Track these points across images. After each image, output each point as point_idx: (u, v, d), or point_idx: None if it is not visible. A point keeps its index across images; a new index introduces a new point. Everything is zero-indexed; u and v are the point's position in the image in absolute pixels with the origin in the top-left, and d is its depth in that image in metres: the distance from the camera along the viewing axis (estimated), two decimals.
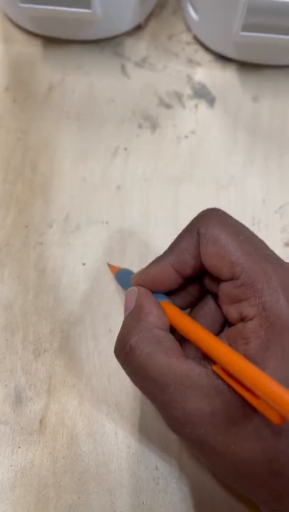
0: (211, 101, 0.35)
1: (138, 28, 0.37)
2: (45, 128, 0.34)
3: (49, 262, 0.31)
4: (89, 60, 0.37)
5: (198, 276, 0.24)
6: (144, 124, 0.35)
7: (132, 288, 0.25)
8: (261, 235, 0.31)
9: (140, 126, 0.35)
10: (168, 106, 0.35)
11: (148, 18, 0.37)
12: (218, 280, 0.22)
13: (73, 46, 0.37)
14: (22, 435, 0.28)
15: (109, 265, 0.31)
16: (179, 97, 0.35)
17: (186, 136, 0.34)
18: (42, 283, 0.30)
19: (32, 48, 0.37)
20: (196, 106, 0.35)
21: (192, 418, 0.19)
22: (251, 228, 0.32)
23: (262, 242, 0.23)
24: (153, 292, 0.24)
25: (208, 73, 0.36)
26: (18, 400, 0.28)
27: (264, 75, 0.36)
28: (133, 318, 0.22)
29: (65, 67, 0.36)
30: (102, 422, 0.28)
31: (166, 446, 0.27)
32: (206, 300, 0.26)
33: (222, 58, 0.36)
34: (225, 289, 0.22)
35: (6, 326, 0.29)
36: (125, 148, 0.34)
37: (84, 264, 0.31)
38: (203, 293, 0.26)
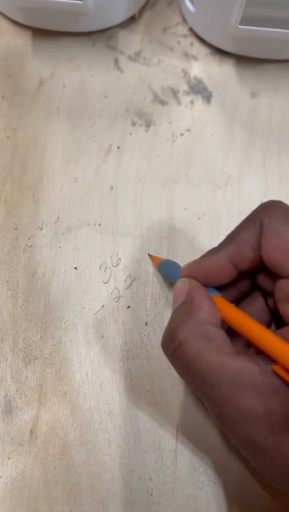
0: (207, 97, 0.34)
1: (132, 20, 0.36)
2: (35, 125, 0.33)
3: (39, 265, 0.30)
4: (80, 53, 0.35)
5: (252, 272, 0.23)
6: (137, 121, 0.33)
7: (183, 279, 0.23)
8: None
9: (134, 124, 0.33)
10: (163, 102, 0.34)
11: (142, 10, 0.36)
12: (275, 277, 0.22)
13: (64, 39, 0.35)
14: (12, 445, 0.27)
15: (151, 256, 0.30)
16: (174, 92, 0.34)
17: (182, 134, 0.33)
18: (32, 287, 0.29)
19: (21, 40, 0.35)
20: (192, 102, 0.34)
21: (244, 417, 0.18)
22: None
23: None
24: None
25: (205, 68, 0.35)
26: (8, 409, 0.27)
27: (263, 70, 0.35)
28: (183, 312, 0.21)
29: (55, 61, 0.35)
30: (95, 431, 0.27)
31: (160, 457, 0.27)
32: (254, 297, 0.25)
33: (219, 52, 0.35)
34: (284, 286, 0.21)
35: None
36: (118, 147, 0.33)
37: (76, 268, 0.30)
38: (252, 289, 0.25)
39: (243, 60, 0.35)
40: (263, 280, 0.24)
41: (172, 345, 0.21)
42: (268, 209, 0.22)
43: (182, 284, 0.23)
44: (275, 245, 0.21)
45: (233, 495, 0.26)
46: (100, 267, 0.30)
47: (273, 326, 0.25)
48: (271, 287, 0.22)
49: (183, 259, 0.30)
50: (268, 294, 0.24)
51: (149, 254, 0.30)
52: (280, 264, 0.21)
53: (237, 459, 0.26)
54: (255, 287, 0.25)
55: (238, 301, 0.25)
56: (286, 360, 0.18)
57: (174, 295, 0.23)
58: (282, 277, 0.21)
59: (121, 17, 0.35)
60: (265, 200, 0.31)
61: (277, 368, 0.19)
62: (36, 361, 0.28)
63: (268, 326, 0.24)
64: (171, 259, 0.30)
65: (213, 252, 0.23)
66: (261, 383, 0.19)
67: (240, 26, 0.30)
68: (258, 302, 0.24)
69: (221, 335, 0.21)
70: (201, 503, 0.26)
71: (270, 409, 0.18)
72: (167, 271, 0.28)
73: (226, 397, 0.19)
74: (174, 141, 0.33)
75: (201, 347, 0.20)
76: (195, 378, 0.20)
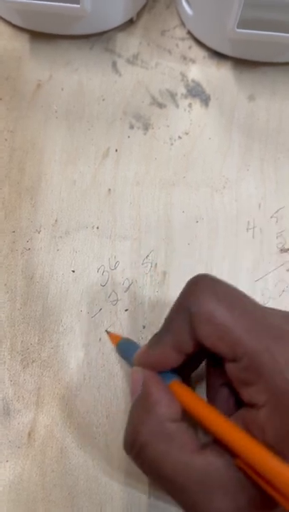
0: (205, 100, 0.34)
1: (130, 23, 0.36)
2: (33, 128, 0.33)
3: (37, 268, 0.30)
4: (78, 56, 0.35)
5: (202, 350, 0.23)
6: (135, 124, 0.33)
7: (137, 368, 0.23)
8: (256, 240, 0.31)
9: (132, 127, 0.33)
10: (161, 105, 0.34)
11: (140, 13, 0.36)
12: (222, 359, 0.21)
13: (62, 41, 0.35)
14: (10, 448, 0.27)
15: (109, 333, 0.29)
16: (172, 95, 0.34)
17: (180, 137, 0.33)
18: (30, 291, 0.29)
19: (18, 43, 0.35)
20: (190, 105, 0.34)
21: None
22: (246, 233, 0.31)
23: (260, 308, 0.21)
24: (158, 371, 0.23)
25: (203, 71, 0.35)
26: (6, 412, 0.27)
27: (261, 73, 0.35)
28: (141, 408, 0.21)
29: (53, 64, 0.35)
30: (93, 434, 0.27)
31: None
32: (209, 370, 0.24)
33: (217, 55, 0.35)
34: (231, 370, 0.20)
35: None
36: (116, 150, 0.33)
37: (73, 271, 0.30)
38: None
39: (241, 63, 0.35)
40: (215, 360, 0.23)
41: (134, 449, 0.20)
42: (195, 292, 0.21)
43: (137, 373, 0.23)
44: (208, 332, 0.20)
45: None
46: (98, 270, 0.30)
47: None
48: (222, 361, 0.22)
49: (180, 262, 0.30)
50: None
51: (106, 332, 0.29)
52: (219, 349, 0.20)
53: None
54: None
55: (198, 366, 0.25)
56: (245, 454, 0.18)
57: (131, 386, 0.23)
58: (227, 361, 0.20)
59: (119, 20, 0.35)
60: (262, 203, 0.32)
61: (239, 463, 0.18)
62: (34, 364, 0.28)
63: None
64: (169, 262, 0.30)
65: (155, 341, 0.23)
66: (228, 480, 0.18)
67: (237, 29, 0.30)
68: (215, 374, 0.23)
69: (182, 430, 0.20)
70: None
71: (240, 506, 0.18)
72: (125, 351, 0.27)
73: (196, 501, 0.18)
74: (172, 144, 0.33)
75: (163, 448, 0.19)
76: (162, 481, 0.20)
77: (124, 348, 0.27)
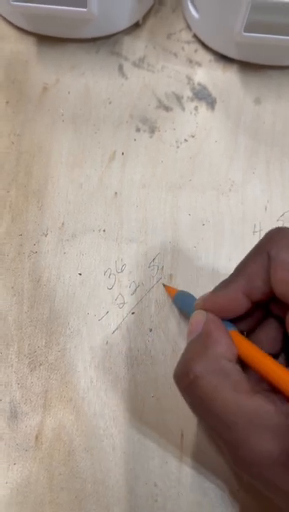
0: (211, 103, 0.34)
1: (136, 26, 0.36)
2: (40, 131, 0.33)
3: (44, 271, 0.30)
4: (85, 59, 0.35)
5: (266, 301, 0.23)
6: (142, 127, 0.33)
7: (200, 310, 0.23)
8: None
9: (138, 130, 0.33)
10: (167, 108, 0.34)
11: (146, 16, 0.36)
12: (287, 307, 0.21)
13: (68, 45, 0.35)
14: (18, 451, 0.27)
15: (165, 286, 0.29)
16: (178, 98, 0.34)
17: (186, 140, 0.33)
18: (37, 294, 0.29)
19: (25, 47, 0.35)
20: (196, 108, 0.34)
21: (260, 459, 0.18)
22: (252, 236, 0.31)
23: None
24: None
25: (209, 74, 0.35)
26: (14, 414, 0.27)
27: (267, 76, 0.35)
28: (200, 345, 0.21)
29: (59, 67, 0.35)
30: (100, 437, 0.27)
31: (164, 463, 0.27)
32: (267, 325, 0.24)
33: (223, 58, 0.35)
34: None
35: (0, 338, 0.29)
36: (122, 153, 0.33)
37: (80, 274, 0.30)
38: (267, 316, 0.25)
39: (247, 67, 0.35)
40: (276, 308, 0.23)
41: (187, 379, 0.20)
42: (274, 239, 0.22)
43: (199, 315, 0.23)
44: (283, 278, 0.21)
45: (238, 501, 0.26)
46: (105, 272, 0.30)
47: (283, 356, 0.25)
48: (284, 315, 0.22)
49: (186, 265, 0.30)
50: (282, 322, 0.24)
51: (163, 284, 0.30)
52: None
53: None
54: (269, 314, 0.25)
55: (252, 330, 0.25)
56: None
57: (190, 326, 0.23)
58: None
59: (125, 23, 0.35)
60: (268, 206, 0.32)
61: None
62: (41, 367, 0.28)
63: (282, 349, 0.24)
64: (176, 264, 0.30)
65: (225, 285, 0.23)
66: (277, 423, 0.18)
67: (244, 33, 0.31)
68: (272, 327, 0.24)
69: (237, 371, 0.20)
70: (205, 509, 0.26)
71: (286, 450, 0.18)
72: (183, 302, 0.28)
73: (242, 439, 0.18)
74: (178, 147, 0.33)
75: (217, 383, 0.19)
76: (210, 416, 0.20)
77: (182, 298, 0.28)
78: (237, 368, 0.21)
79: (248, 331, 0.25)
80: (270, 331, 0.24)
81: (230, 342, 0.21)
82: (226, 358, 0.20)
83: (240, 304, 0.22)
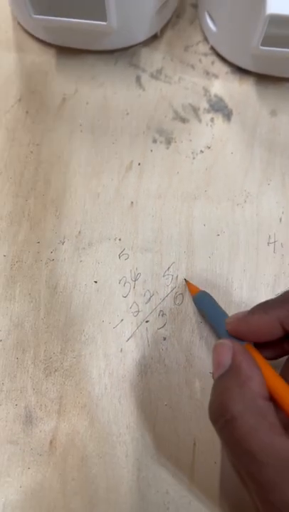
0: (227, 115, 0.35)
1: (154, 38, 0.36)
2: (58, 141, 0.34)
3: (61, 279, 0.31)
4: (103, 70, 0.36)
5: None
6: (158, 138, 0.34)
7: (224, 341, 0.23)
8: (277, 254, 0.31)
9: (155, 141, 0.34)
10: (183, 120, 0.34)
11: (164, 28, 0.37)
12: None
13: (87, 56, 0.36)
14: (32, 456, 0.27)
15: (188, 283, 0.30)
16: (194, 110, 0.35)
17: (202, 151, 0.34)
18: (53, 300, 0.30)
19: (45, 58, 0.36)
20: (212, 120, 0.34)
21: None
22: (267, 247, 0.31)
23: None
24: (242, 340, 0.23)
25: (225, 86, 0.35)
26: (29, 419, 0.28)
27: (283, 89, 0.35)
28: (233, 382, 0.21)
29: (78, 78, 0.36)
30: (113, 444, 0.27)
31: (177, 471, 0.27)
32: None
33: (239, 70, 0.36)
34: None
35: (17, 344, 0.29)
36: (139, 163, 0.33)
37: (96, 282, 0.31)
38: None
39: (263, 79, 0.35)
40: None
41: (223, 418, 0.20)
42: None
43: (224, 347, 0.23)
44: None
45: (250, 509, 0.26)
46: (120, 281, 0.31)
47: None
48: None
49: (201, 275, 0.31)
50: None
51: (185, 280, 0.30)
52: None
53: None
54: None
55: (279, 357, 0.25)
56: None
57: (216, 358, 0.23)
58: None
59: (143, 36, 0.35)
60: (283, 217, 0.32)
61: None
62: (56, 373, 0.29)
63: None
64: (190, 274, 0.31)
65: (263, 309, 0.23)
66: None
67: (261, 47, 0.31)
68: None
69: (272, 411, 0.20)
70: None
71: None
72: (202, 303, 0.28)
73: (274, 481, 0.18)
74: (194, 158, 0.34)
75: (253, 424, 0.19)
76: (243, 456, 0.20)
77: (202, 300, 0.28)
78: (271, 407, 0.20)
79: (273, 358, 0.25)
80: None
81: (261, 378, 0.21)
82: (261, 397, 0.20)
83: (273, 331, 0.22)
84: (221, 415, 0.21)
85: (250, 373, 0.21)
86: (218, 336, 0.28)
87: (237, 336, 0.24)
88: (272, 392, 0.21)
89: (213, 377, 0.23)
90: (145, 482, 0.27)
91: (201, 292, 0.29)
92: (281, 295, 0.23)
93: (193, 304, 0.30)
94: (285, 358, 0.25)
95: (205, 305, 0.28)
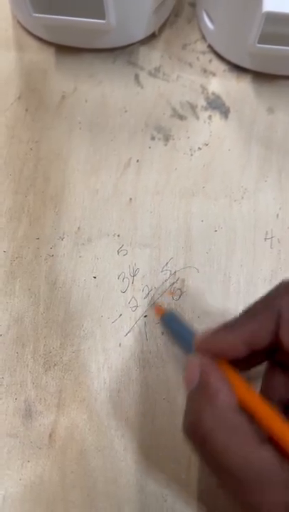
0: (225, 112, 0.35)
1: (152, 37, 0.37)
2: (58, 138, 0.34)
3: (60, 274, 0.31)
4: (102, 68, 0.36)
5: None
6: (156, 135, 0.34)
7: (193, 358, 0.23)
8: (274, 250, 0.31)
9: (153, 138, 0.34)
10: (181, 117, 0.35)
11: (162, 27, 0.37)
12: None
13: (86, 54, 0.37)
14: (31, 449, 0.28)
15: (157, 306, 0.30)
16: (192, 108, 0.35)
17: (200, 148, 0.34)
18: (53, 296, 0.30)
19: (44, 56, 0.37)
20: (209, 117, 0.35)
21: (270, 511, 0.19)
22: (264, 243, 0.32)
23: None
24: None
25: (223, 84, 0.36)
26: (28, 413, 0.28)
27: (280, 86, 0.36)
28: (201, 398, 0.21)
29: (77, 76, 0.36)
30: (112, 437, 0.28)
31: (174, 464, 0.27)
32: (274, 370, 0.25)
33: (237, 68, 0.36)
34: None
35: (17, 338, 0.29)
36: (137, 160, 0.34)
37: (95, 277, 0.31)
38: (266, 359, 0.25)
39: (260, 77, 0.36)
40: (281, 356, 0.24)
41: (197, 435, 0.21)
42: (285, 296, 0.22)
43: (193, 362, 0.23)
44: None
45: None
46: (119, 276, 0.31)
47: None
48: None
49: (198, 270, 0.31)
50: (283, 366, 0.24)
51: (156, 304, 0.30)
52: None
53: None
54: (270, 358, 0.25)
55: (249, 369, 0.25)
56: None
57: (186, 374, 0.23)
58: None
59: (142, 34, 0.36)
60: (280, 213, 0.32)
61: None
62: (56, 367, 0.29)
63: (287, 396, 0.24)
64: (188, 270, 0.31)
65: (229, 329, 0.23)
66: (281, 477, 0.19)
67: (258, 45, 0.31)
68: (278, 376, 0.24)
69: (243, 421, 0.20)
70: (216, 510, 0.26)
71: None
72: (170, 323, 0.28)
73: (251, 492, 0.19)
74: (191, 155, 0.34)
75: (225, 440, 0.20)
76: (220, 471, 0.20)
77: (169, 320, 0.28)
78: (243, 417, 0.21)
79: (242, 371, 0.25)
80: (275, 380, 0.24)
81: (230, 390, 0.21)
82: (230, 410, 0.21)
83: (239, 350, 0.22)
84: (195, 433, 0.21)
85: (219, 387, 0.21)
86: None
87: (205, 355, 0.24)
88: (243, 404, 0.21)
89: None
90: (143, 474, 0.27)
91: (168, 313, 0.29)
92: (246, 311, 0.23)
93: (190, 299, 0.30)
94: (264, 367, 0.25)
95: (173, 325, 0.28)
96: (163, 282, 0.31)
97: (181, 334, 0.27)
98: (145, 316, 0.30)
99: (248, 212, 0.32)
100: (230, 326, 0.23)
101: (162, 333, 0.30)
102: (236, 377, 0.23)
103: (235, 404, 0.21)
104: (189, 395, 0.23)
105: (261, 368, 0.25)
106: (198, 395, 0.22)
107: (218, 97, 0.35)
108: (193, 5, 0.38)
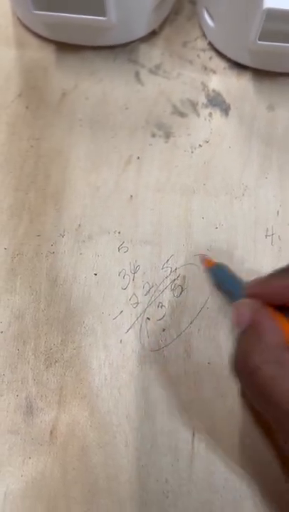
0: (225, 109, 0.35)
1: (153, 34, 0.37)
2: (58, 135, 0.34)
3: (61, 271, 0.31)
4: (103, 66, 0.36)
5: None
6: (157, 132, 0.34)
7: (245, 301, 0.25)
8: (275, 247, 0.31)
9: (153, 135, 0.34)
10: (182, 114, 0.35)
11: (163, 24, 0.37)
12: None
13: (87, 52, 0.37)
14: (33, 445, 0.28)
15: (202, 256, 0.31)
16: (193, 105, 0.35)
17: (200, 146, 0.34)
18: (54, 293, 0.30)
19: (45, 53, 0.37)
20: (210, 114, 0.35)
21: None
22: (265, 240, 0.32)
23: None
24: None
25: (223, 81, 0.36)
26: (29, 410, 0.28)
27: (280, 83, 0.36)
28: (252, 336, 0.23)
29: (78, 74, 0.36)
30: (113, 433, 0.28)
31: (176, 460, 0.27)
32: None
33: (237, 65, 0.36)
34: None
35: (18, 335, 0.29)
36: (138, 157, 0.34)
37: (96, 274, 0.31)
38: None
39: (260, 74, 0.36)
40: None
41: (246, 370, 0.22)
42: None
43: (244, 306, 0.24)
44: None
45: (247, 499, 0.26)
46: (119, 273, 0.31)
47: None
48: None
49: (199, 267, 0.31)
50: None
51: (200, 255, 0.31)
52: None
53: (252, 463, 0.27)
54: None
55: None
56: None
57: (236, 317, 0.24)
58: None
59: (142, 31, 0.36)
60: (280, 210, 0.32)
61: None
62: (57, 364, 0.29)
63: None
64: (189, 266, 0.31)
65: (283, 273, 0.24)
66: None
67: (258, 42, 0.31)
68: None
69: None
70: (216, 506, 0.26)
71: None
72: (219, 276, 0.30)
73: None
74: (192, 152, 0.34)
75: (273, 373, 0.21)
76: (268, 405, 0.21)
77: (219, 273, 0.29)
78: None
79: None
80: None
81: (280, 330, 0.22)
82: (279, 347, 0.22)
83: None
84: (244, 367, 0.22)
85: (269, 326, 0.22)
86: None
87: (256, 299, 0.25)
88: None
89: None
90: (145, 471, 0.27)
91: (219, 264, 0.30)
92: None
93: (191, 296, 0.30)
94: None
95: (222, 276, 0.29)
96: (164, 279, 0.31)
97: (231, 283, 0.28)
98: (146, 313, 0.30)
99: (249, 209, 0.32)
100: (282, 273, 0.24)
101: (163, 330, 0.30)
102: (284, 319, 0.23)
103: (284, 343, 0.22)
104: (240, 334, 0.24)
105: None
106: (249, 334, 0.23)
107: (218, 95, 0.35)
108: (193, 2, 0.38)
